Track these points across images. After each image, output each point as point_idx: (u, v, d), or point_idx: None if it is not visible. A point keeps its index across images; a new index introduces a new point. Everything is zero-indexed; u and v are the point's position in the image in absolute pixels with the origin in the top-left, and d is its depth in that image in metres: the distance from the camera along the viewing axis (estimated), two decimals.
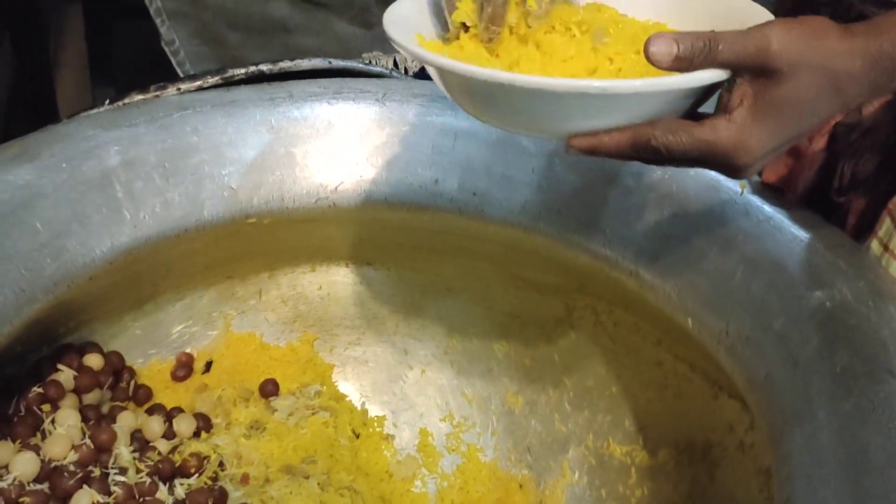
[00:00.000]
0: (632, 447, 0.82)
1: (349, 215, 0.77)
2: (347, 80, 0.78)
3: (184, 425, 0.76)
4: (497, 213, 0.75)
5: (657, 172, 0.70)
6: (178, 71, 0.77)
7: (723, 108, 0.49)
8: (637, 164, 0.54)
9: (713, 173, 0.66)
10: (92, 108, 0.73)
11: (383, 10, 0.85)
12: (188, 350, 0.85)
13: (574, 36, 0.53)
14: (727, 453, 0.75)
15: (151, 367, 0.83)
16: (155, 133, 0.71)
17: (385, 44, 0.86)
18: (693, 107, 0.50)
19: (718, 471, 0.75)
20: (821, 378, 0.55)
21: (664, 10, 0.56)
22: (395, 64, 0.84)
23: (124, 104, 0.73)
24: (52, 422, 0.70)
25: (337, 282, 0.89)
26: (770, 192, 0.65)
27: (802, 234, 0.61)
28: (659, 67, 0.47)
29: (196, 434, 0.77)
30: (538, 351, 0.87)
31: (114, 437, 0.71)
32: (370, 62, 0.84)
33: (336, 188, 0.75)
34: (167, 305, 0.83)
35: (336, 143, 0.75)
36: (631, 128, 0.49)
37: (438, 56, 0.49)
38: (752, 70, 0.48)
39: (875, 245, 0.61)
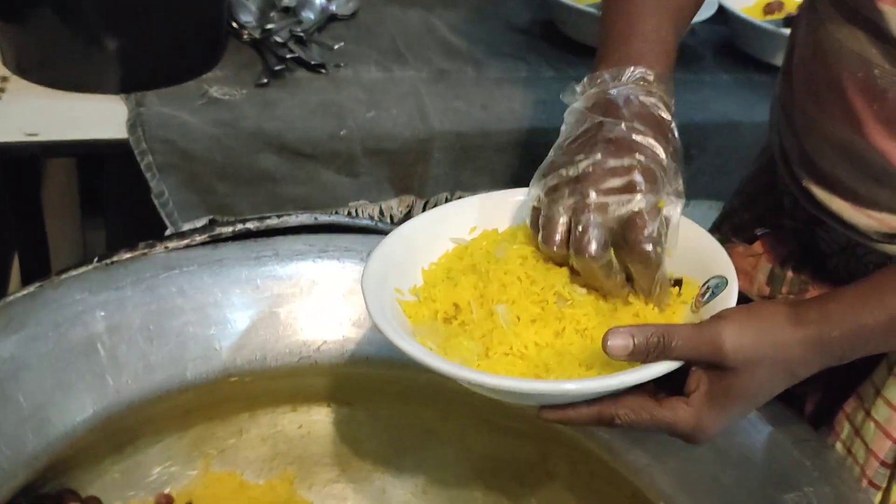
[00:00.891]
0: None
1: (331, 371, 0.78)
2: (333, 236, 0.79)
3: None
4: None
5: None
6: (167, 221, 0.79)
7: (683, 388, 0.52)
8: None
9: None
10: (82, 262, 0.74)
11: (370, 161, 0.88)
12: (167, 491, 0.85)
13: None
14: None
15: None
16: (141, 295, 0.72)
17: (370, 192, 0.88)
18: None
19: None
20: None
21: None
22: (381, 212, 0.86)
23: (112, 262, 0.74)
24: None
25: (317, 421, 0.90)
26: None
27: (770, 428, 0.62)
28: (615, 359, 0.50)
29: None
30: (513, 494, 0.88)
31: None
32: (356, 211, 0.85)
33: (319, 347, 0.76)
34: (146, 448, 0.83)
35: (320, 302, 0.76)
36: (597, 406, 0.53)
37: (420, 353, 0.54)
38: (706, 364, 0.51)
39: (839, 447, 0.63)
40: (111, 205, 0.92)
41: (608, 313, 0.56)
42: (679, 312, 0.57)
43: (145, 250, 0.75)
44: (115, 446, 0.81)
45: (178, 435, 0.85)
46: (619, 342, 0.49)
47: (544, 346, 0.55)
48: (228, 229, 0.77)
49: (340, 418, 0.90)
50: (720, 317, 0.51)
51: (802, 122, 0.66)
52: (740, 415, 0.53)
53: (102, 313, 0.70)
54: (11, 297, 0.71)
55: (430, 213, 0.65)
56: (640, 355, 0.49)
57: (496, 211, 0.63)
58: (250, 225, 0.78)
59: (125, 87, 0.88)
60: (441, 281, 0.59)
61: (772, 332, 0.50)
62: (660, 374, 0.51)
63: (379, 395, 0.87)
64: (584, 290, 0.56)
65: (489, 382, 0.51)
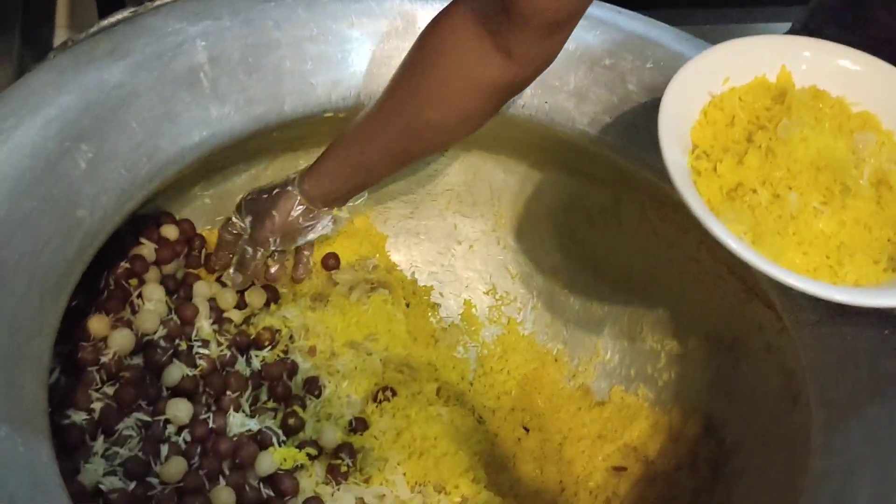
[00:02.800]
0: (663, 335, 0.89)
1: None
2: None
3: (255, 297, 0.82)
4: (566, 123, 0.77)
5: None
6: None
7: None
8: None
9: None
10: None
11: None
12: None
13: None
14: (753, 351, 0.81)
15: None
16: (239, 27, 0.72)
17: None
18: None
19: (743, 365, 0.82)
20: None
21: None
22: None
23: None
24: (139, 296, 0.75)
25: None
26: None
27: None
28: None
29: (266, 305, 0.83)
30: (582, 235, 0.92)
31: (196, 311, 0.77)
32: None
33: None
34: (234, 176, 0.86)
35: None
36: None
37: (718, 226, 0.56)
38: None
39: None
40: None
41: (892, 205, 0.59)
42: None
43: None
44: (205, 174, 0.83)
45: (265, 165, 0.87)
46: None
47: (830, 236, 0.57)
48: None
49: None
50: None
51: None
52: None
53: (203, 44, 0.70)
54: (107, 21, 0.71)
55: (686, 69, 0.63)
56: None
57: (746, 59, 0.65)
58: None
59: None
60: (720, 150, 0.61)
61: None
62: None
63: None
64: (867, 183, 0.58)
65: (830, 295, 0.55)
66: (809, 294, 0.55)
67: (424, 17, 0.75)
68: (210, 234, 0.86)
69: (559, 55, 0.65)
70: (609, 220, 0.90)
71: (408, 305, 0.92)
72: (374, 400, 0.79)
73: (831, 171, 0.59)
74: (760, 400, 0.79)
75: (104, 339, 0.71)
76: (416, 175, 0.93)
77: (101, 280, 0.75)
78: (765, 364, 0.80)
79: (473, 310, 0.96)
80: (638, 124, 0.75)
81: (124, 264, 0.76)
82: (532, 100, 0.77)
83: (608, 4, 0.78)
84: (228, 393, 0.74)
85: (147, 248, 0.78)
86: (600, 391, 0.91)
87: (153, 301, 0.75)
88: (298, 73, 0.74)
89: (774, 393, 0.78)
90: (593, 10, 0.77)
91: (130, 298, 0.75)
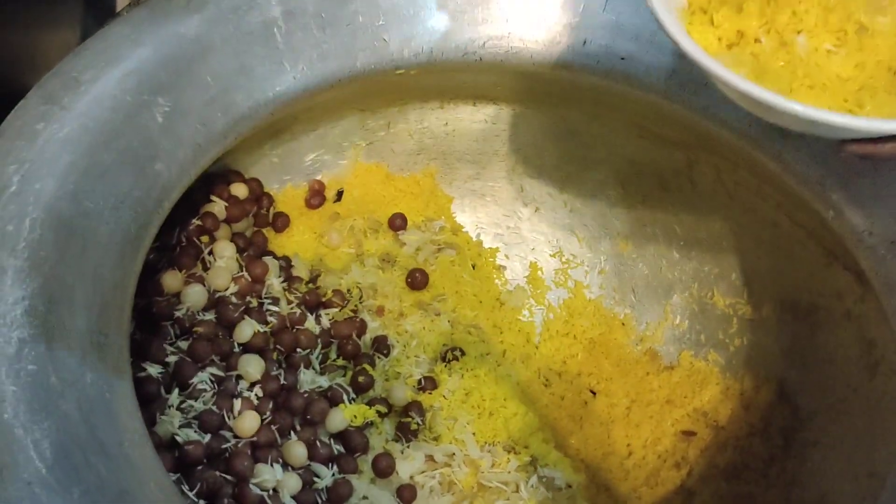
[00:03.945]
0: (736, 300, 0.87)
1: (494, 69, 0.78)
2: None
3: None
4: (644, 78, 0.75)
5: None
6: None
7: None
8: None
9: None
10: None
11: None
12: (319, 178, 0.89)
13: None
14: (832, 318, 0.79)
15: (286, 194, 0.87)
16: None
17: None
18: None
19: (820, 332, 0.80)
20: None
21: None
22: None
23: None
24: (211, 253, 0.75)
25: (462, 118, 0.91)
26: None
27: None
28: None
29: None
30: (653, 199, 0.90)
31: (266, 269, 0.77)
32: None
33: (484, 44, 0.75)
34: (301, 135, 0.86)
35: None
36: None
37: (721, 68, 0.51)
38: None
39: None
40: None
41: None
42: None
43: None
44: (273, 132, 0.83)
45: (332, 125, 0.87)
46: None
47: (847, 78, 0.53)
48: None
49: (485, 117, 0.91)
50: None
51: None
52: None
53: None
54: None
55: None
56: None
57: None
58: None
59: None
60: (717, 3, 0.56)
61: None
62: None
63: (527, 95, 0.87)
64: (886, 19, 0.53)
65: (826, 119, 0.50)
66: (822, 125, 0.50)
67: None
68: (277, 193, 0.86)
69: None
70: (683, 184, 0.88)
71: (473, 267, 0.91)
72: (443, 360, 0.79)
73: (843, 8, 0.54)
74: (838, 368, 0.77)
75: (177, 294, 0.72)
76: (484, 133, 0.92)
77: (174, 236, 0.75)
78: (844, 332, 0.78)
79: (539, 273, 0.95)
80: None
81: (196, 221, 0.76)
82: (608, 56, 0.75)
83: None
84: (299, 350, 0.74)
85: (218, 206, 0.78)
86: (669, 356, 0.90)
87: (224, 258, 0.75)
88: (371, 28, 0.73)
89: (853, 362, 0.76)
90: None
91: (202, 255, 0.75)
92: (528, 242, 0.96)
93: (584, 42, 0.75)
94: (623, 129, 0.87)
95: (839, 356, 0.78)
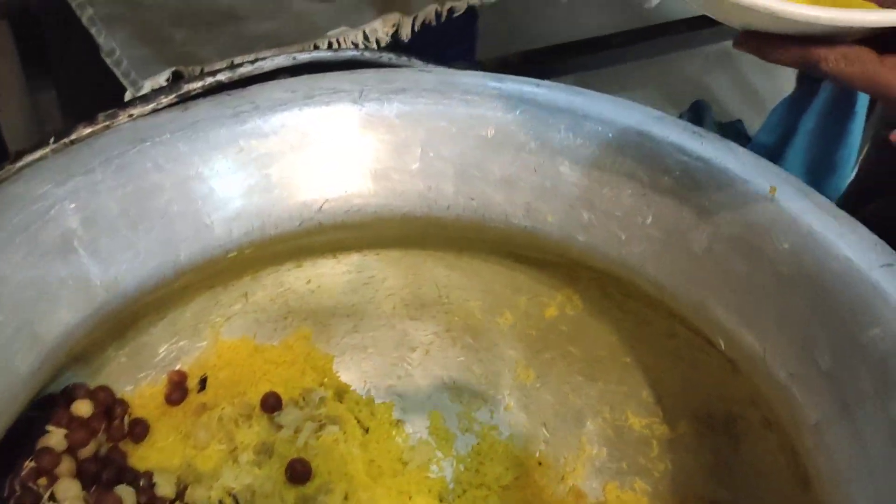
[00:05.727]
0: (650, 419, 0.81)
1: (338, 230, 0.71)
2: (316, 77, 0.69)
3: None
4: (499, 217, 0.69)
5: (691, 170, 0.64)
6: (124, 81, 0.68)
7: None
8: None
9: (736, 171, 0.61)
10: (38, 144, 0.65)
11: None
12: (178, 367, 0.80)
13: None
14: (751, 427, 0.73)
15: (142, 394, 0.78)
16: (113, 177, 0.63)
17: (351, 15, 0.77)
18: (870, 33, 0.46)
19: (743, 444, 0.74)
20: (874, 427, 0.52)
21: None
22: (365, 36, 0.75)
23: (72, 141, 0.65)
24: (52, 498, 0.66)
25: (325, 273, 0.84)
26: (808, 194, 0.59)
27: (845, 251, 0.56)
28: None
29: None
30: (543, 321, 0.84)
31: (119, 501, 0.67)
32: (338, 41, 0.74)
33: (321, 207, 0.68)
34: (149, 327, 0.78)
35: (314, 157, 0.68)
36: (800, 49, 0.46)
37: None
38: None
39: None
40: (59, 62, 0.80)
41: None
42: None
43: (107, 122, 0.66)
44: (115, 331, 0.75)
45: (181, 309, 0.79)
46: None
47: None
48: (197, 85, 0.67)
49: (350, 267, 0.84)
50: None
51: None
52: None
53: (73, 205, 0.62)
54: None
55: None
56: None
57: None
58: (221, 76, 0.67)
59: None
60: None
61: None
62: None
63: (389, 241, 0.81)
64: None
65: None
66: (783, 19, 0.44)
67: (319, 128, 0.67)
68: (132, 396, 0.77)
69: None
70: (571, 302, 0.82)
71: (367, 430, 0.83)
72: None
73: None
74: (769, 482, 0.71)
75: None
76: (352, 284, 0.85)
77: (4, 487, 0.65)
78: (766, 442, 0.72)
79: (441, 420, 0.87)
80: (575, 206, 0.67)
81: (29, 463, 0.66)
82: (457, 198, 0.69)
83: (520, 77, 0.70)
84: None
85: (55, 437, 0.68)
86: (594, 491, 0.82)
87: (68, 500, 0.65)
88: (189, 214, 0.65)
89: (782, 473, 0.69)
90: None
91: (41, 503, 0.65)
92: (423, 390, 0.88)
93: (430, 188, 0.69)
94: (497, 259, 0.81)
95: (767, 468, 0.72)
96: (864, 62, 0.45)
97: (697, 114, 1.43)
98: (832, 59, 0.45)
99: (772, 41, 0.47)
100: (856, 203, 0.83)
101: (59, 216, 0.61)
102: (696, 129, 0.64)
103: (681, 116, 1.44)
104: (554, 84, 0.69)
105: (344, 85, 0.68)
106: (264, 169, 0.67)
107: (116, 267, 0.63)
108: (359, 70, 0.70)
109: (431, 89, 0.68)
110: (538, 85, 0.69)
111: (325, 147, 0.68)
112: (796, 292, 0.57)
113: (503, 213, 0.68)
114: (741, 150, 0.63)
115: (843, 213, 0.59)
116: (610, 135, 0.65)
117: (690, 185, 0.62)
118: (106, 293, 0.62)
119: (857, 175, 0.92)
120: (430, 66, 0.68)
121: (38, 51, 0.81)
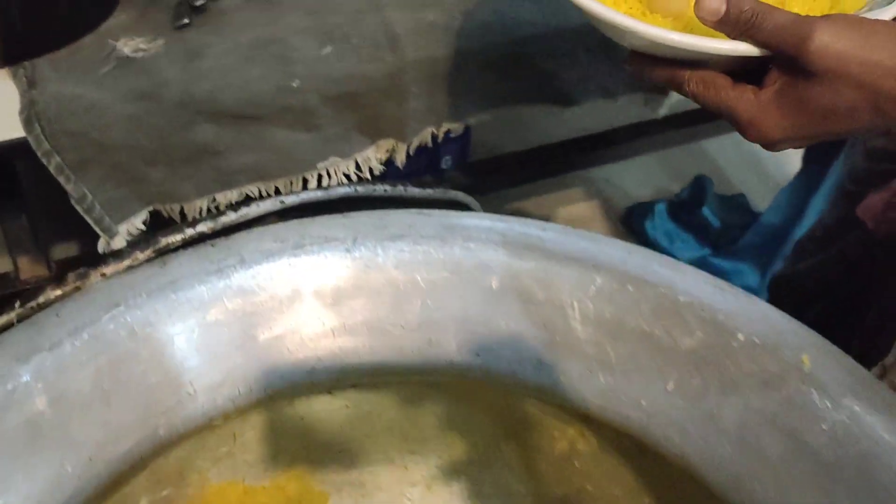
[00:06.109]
0: None
1: (332, 385, 0.66)
2: (306, 223, 0.64)
3: None
4: (507, 373, 0.64)
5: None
6: (97, 228, 0.63)
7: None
8: None
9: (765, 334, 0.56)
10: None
11: (331, 109, 0.71)
12: None
13: None
14: None
15: None
16: (84, 349, 0.58)
17: (339, 145, 0.72)
18: (738, 64, 0.51)
19: None
20: None
21: None
22: (358, 166, 0.70)
23: (39, 305, 0.60)
24: None
25: (319, 409, 0.78)
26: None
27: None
28: (703, 23, 0.48)
29: None
30: (553, 456, 0.79)
31: None
32: (328, 173, 0.70)
33: (312, 369, 0.63)
34: (130, 479, 0.71)
35: (305, 313, 0.63)
36: (676, 68, 0.51)
37: None
38: (786, 60, 0.47)
39: None
40: (31, 197, 0.75)
41: None
42: None
43: (77, 283, 0.61)
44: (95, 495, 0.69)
45: (164, 456, 0.73)
46: (713, 5, 0.47)
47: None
48: (177, 237, 0.62)
49: (345, 402, 0.79)
50: (828, 17, 0.47)
51: None
52: (807, 132, 0.48)
53: (40, 385, 0.56)
54: None
55: None
56: (729, 25, 0.48)
57: None
58: (202, 227, 0.63)
59: (9, 57, 0.69)
60: None
61: (871, 51, 0.45)
62: (735, 53, 0.48)
63: (387, 377, 0.76)
64: None
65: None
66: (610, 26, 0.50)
67: (310, 281, 0.62)
68: None
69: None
70: (584, 438, 0.77)
71: None
72: None
73: None
74: None
75: None
76: (348, 418, 0.80)
77: None
78: None
79: None
80: (591, 367, 0.62)
81: None
82: (461, 354, 0.64)
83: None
84: None
85: None
86: None
87: None
88: (169, 384, 0.60)
89: None
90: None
91: None
92: None
93: (430, 341, 0.64)
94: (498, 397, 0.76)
95: None
96: (717, 87, 0.50)
97: (699, 189, 1.38)
98: (693, 81, 0.50)
99: (650, 62, 0.52)
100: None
101: (25, 399, 0.56)
102: (718, 282, 0.59)
103: (682, 191, 1.40)
104: (561, 228, 0.64)
105: (336, 231, 0.64)
106: (251, 329, 0.62)
107: (89, 449, 0.57)
108: (352, 213, 0.65)
109: (431, 235, 0.63)
110: (544, 229, 0.64)
111: (316, 301, 0.63)
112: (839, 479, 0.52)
113: (511, 371, 0.63)
114: (766, 306, 0.59)
115: (883, 386, 0.54)
116: (623, 287, 0.60)
117: (715, 348, 0.57)
118: (78, 480, 0.57)
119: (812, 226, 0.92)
120: (429, 211, 0.63)
121: (10, 178, 0.76)
